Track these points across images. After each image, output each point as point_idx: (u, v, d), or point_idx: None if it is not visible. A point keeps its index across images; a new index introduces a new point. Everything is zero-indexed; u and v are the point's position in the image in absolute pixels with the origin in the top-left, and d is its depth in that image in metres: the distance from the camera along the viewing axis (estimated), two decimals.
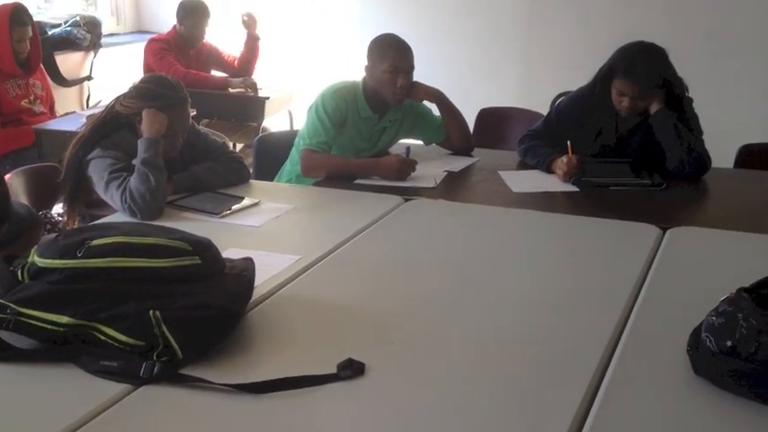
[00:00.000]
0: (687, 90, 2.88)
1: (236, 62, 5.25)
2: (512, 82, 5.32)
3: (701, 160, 2.82)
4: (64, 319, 1.46)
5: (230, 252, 1.88)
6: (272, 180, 3.06)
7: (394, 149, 3.11)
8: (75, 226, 2.42)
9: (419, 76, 3.01)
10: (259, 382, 1.40)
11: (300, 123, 3.10)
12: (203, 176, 2.57)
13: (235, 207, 2.42)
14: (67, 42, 5.26)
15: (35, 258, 1.55)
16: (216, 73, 5.25)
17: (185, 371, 1.44)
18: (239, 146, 5.16)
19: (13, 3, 4.42)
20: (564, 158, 2.78)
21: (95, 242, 1.54)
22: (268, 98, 5.03)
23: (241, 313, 1.63)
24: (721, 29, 4.81)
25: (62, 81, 5.21)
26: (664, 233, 2.21)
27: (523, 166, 2.99)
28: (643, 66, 2.76)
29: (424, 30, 5.13)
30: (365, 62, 2.97)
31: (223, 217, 2.35)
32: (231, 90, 5.05)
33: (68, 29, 5.27)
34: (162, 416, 1.35)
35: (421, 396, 1.41)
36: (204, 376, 1.42)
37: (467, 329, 1.67)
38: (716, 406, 1.35)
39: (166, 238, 1.61)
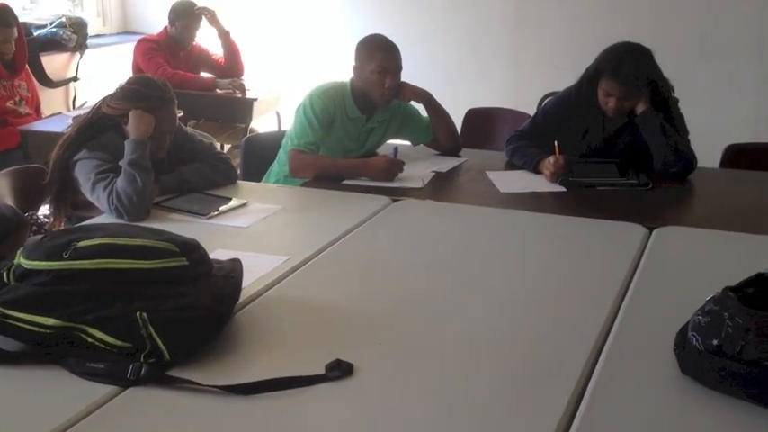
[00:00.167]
0: (673, 90, 2.89)
1: (222, 61, 5.24)
2: (499, 82, 5.33)
3: (687, 160, 2.84)
4: (50, 321, 1.45)
5: (218, 253, 1.88)
6: (259, 181, 3.05)
7: (382, 150, 3.11)
8: (62, 227, 2.41)
9: (407, 76, 3.00)
10: (247, 383, 1.40)
11: (288, 124, 3.09)
12: (190, 177, 2.56)
13: (222, 208, 2.42)
14: (53, 43, 5.24)
15: (21, 260, 1.55)
16: (206, 74, 5.22)
17: (173, 372, 1.43)
18: (227, 147, 5.16)
19: None
20: (551, 159, 2.79)
21: (82, 243, 1.53)
22: (256, 99, 5.02)
23: (229, 314, 1.62)
24: (707, 30, 4.84)
25: (48, 82, 5.18)
26: (650, 233, 2.22)
27: (511, 166, 2.99)
28: (629, 66, 2.77)
29: (412, 30, 5.14)
30: (353, 63, 2.97)
31: (210, 218, 2.35)
32: (219, 91, 5.03)
33: (54, 30, 5.25)
34: (149, 418, 1.34)
35: (409, 396, 1.41)
36: (192, 378, 1.41)
37: (455, 329, 1.67)
38: (703, 404, 1.36)
39: (154, 239, 1.60)
